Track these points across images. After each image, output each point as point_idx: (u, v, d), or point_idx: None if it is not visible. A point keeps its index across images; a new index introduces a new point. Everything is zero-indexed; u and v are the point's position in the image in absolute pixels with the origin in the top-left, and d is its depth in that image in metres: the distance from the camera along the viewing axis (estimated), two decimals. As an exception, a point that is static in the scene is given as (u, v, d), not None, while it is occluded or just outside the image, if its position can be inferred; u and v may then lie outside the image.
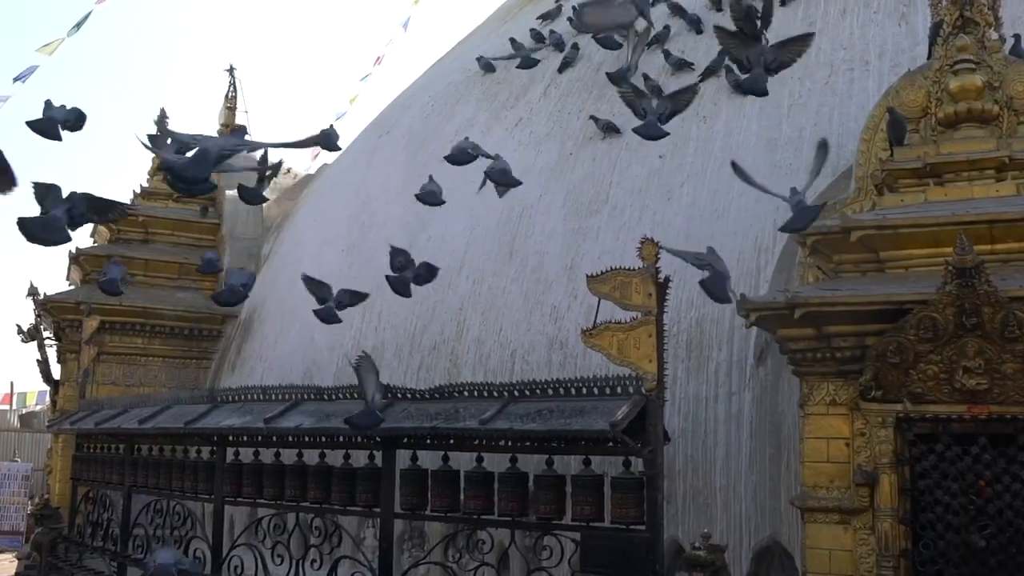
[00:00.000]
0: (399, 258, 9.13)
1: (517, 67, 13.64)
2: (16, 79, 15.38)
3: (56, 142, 7.96)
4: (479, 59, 14.53)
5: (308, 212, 16.24)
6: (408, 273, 9.19)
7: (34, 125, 7.96)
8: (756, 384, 8.63)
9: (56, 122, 8.20)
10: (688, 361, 9.04)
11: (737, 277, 9.12)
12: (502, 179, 8.68)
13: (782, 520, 8.10)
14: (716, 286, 7.29)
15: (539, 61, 13.43)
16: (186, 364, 15.67)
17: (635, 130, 7.97)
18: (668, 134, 8.13)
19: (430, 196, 9.44)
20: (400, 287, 9.12)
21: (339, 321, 9.02)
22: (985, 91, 7.38)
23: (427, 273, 9.18)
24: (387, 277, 9.10)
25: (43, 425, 34.51)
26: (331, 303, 8.87)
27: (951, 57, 7.65)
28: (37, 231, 5.99)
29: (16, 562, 18.21)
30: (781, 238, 9.03)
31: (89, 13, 16.50)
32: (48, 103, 8.01)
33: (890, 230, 6.80)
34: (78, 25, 16.52)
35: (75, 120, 8.00)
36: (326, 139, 7.93)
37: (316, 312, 8.84)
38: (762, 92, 7.27)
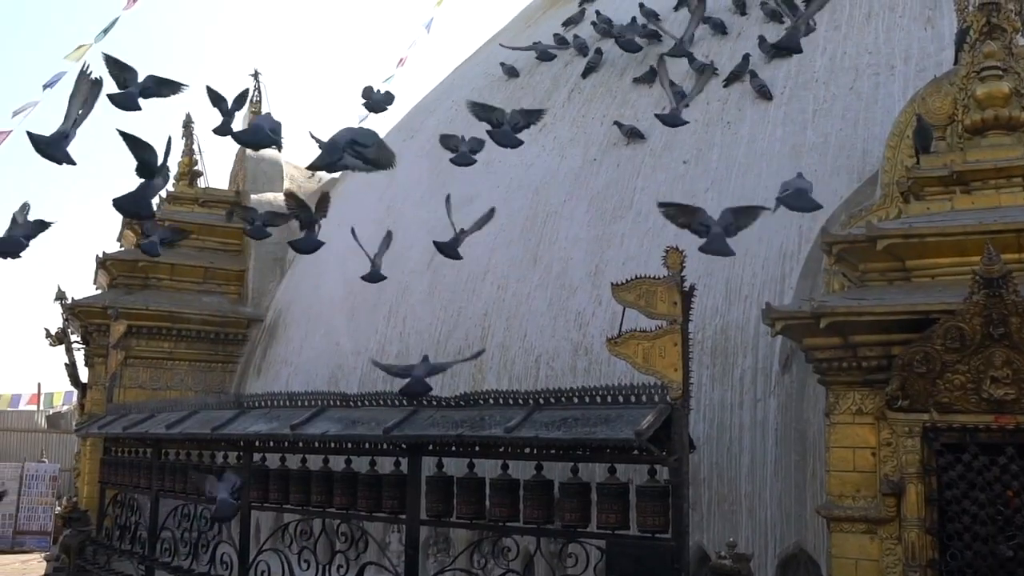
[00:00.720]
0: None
1: (536, 58, 13.66)
2: (46, 86, 15.50)
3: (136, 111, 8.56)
4: (502, 64, 14.56)
5: (333, 216, 16.27)
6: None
7: (114, 99, 8.73)
8: (781, 391, 8.62)
9: (134, 95, 8.86)
10: (713, 368, 9.04)
11: (762, 284, 9.15)
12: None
13: (808, 527, 8.10)
14: (716, 245, 7.65)
15: (555, 56, 13.40)
16: (212, 368, 15.76)
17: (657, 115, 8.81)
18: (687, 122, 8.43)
19: (463, 157, 9.95)
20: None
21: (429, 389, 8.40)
22: (1012, 98, 7.34)
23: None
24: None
25: (70, 426, 34.83)
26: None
27: (978, 64, 7.61)
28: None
29: (45, 563, 18.39)
30: (806, 244, 9.03)
31: (116, 19, 16.61)
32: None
33: (916, 239, 6.77)
34: (105, 31, 16.62)
35: (156, 87, 8.76)
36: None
37: (403, 390, 8.32)
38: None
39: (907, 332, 6.38)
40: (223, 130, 9.66)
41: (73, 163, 7.57)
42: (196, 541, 10.45)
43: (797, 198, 7.53)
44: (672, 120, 10.14)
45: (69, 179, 73.16)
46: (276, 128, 8.53)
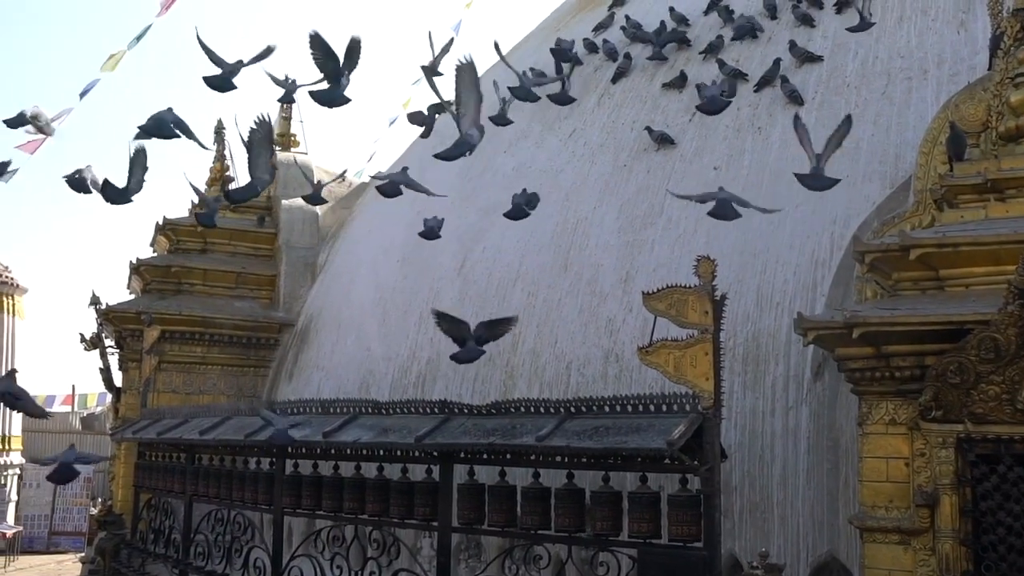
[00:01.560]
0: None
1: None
2: (82, 94, 15.66)
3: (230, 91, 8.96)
4: (531, 69, 14.56)
5: (363, 222, 16.39)
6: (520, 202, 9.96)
7: (210, 81, 9.21)
8: (813, 398, 8.59)
9: (229, 80, 9.29)
10: (744, 375, 9.02)
11: (794, 291, 9.12)
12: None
13: (840, 535, 8.06)
14: (724, 211, 8.10)
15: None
16: (244, 372, 15.90)
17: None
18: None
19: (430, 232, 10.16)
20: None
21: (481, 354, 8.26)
22: (1047, 105, 7.27)
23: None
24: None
25: (104, 427, 35.15)
26: (470, 341, 8.02)
27: (1012, 70, 7.53)
28: None
29: (80, 565, 18.59)
30: (838, 251, 8.99)
31: (149, 26, 16.75)
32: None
33: (950, 248, 6.72)
34: (138, 38, 16.77)
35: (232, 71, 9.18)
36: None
37: (454, 357, 8.13)
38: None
39: (941, 342, 6.34)
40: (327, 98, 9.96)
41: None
42: (229, 546, 10.55)
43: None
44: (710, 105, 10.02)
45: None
46: (178, 121, 8.67)
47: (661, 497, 7.03)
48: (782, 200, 9.82)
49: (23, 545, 27.06)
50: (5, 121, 10.37)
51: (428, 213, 12.85)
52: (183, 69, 76.56)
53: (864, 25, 10.31)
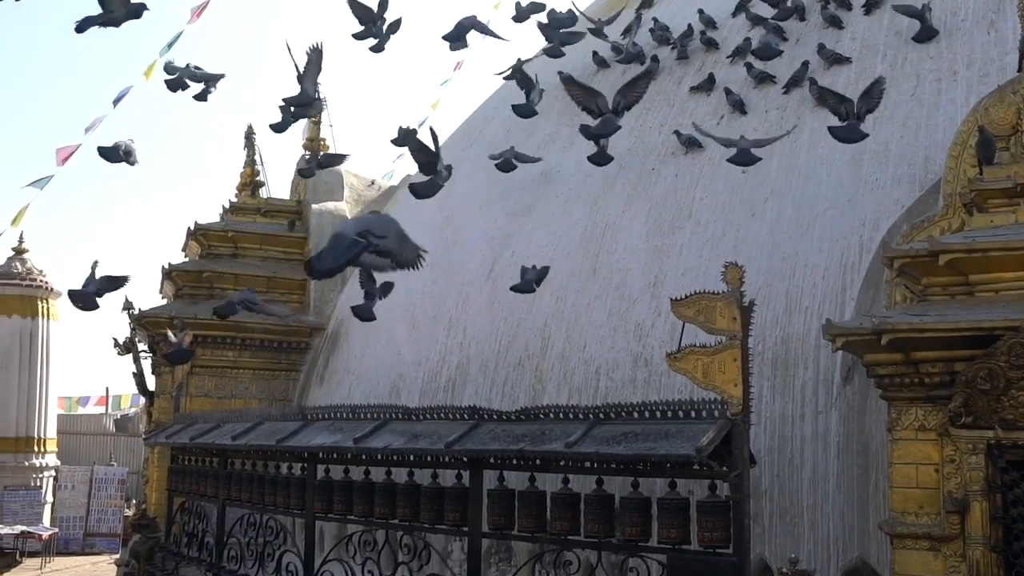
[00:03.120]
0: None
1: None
2: (115, 101, 15.86)
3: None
4: (559, 73, 14.59)
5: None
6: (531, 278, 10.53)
7: (290, 101, 11.45)
8: (843, 403, 8.58)
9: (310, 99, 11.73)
10: (774, 380, 9.01)
11: (823, 295, 9.10)
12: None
13: (870, 540, 8.05)
14: (743, 158, 9.06)
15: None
16: (275, 376, 16.00)
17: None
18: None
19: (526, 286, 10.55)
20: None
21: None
22: (1077, 108, 7.24)
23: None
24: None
25: (137, 429, 35.49)
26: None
27: (1042, 73, 7.52)
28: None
29: (115, 567, 18.79)
30: (867, 255, 8.97)
31: (180, 33, 16.91)
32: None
33: (979, 253, 6.69)
34: (169, 44, 16.92)
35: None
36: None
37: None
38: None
39: (970, 348, 6.32)
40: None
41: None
42: (262, 550, 10.63)
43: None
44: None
45: (136, 191, 74.47)
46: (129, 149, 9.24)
47: (690, 503, 7.03)
48: (809, 204, 9.84)
49: (59, 546, 27.35)
50: (100, 151, 12.11)
51: (457, 218, 12.95)
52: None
53: (929, 32, 10.61)
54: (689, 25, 13.31)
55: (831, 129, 9.30)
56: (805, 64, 11.21)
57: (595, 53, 14.30)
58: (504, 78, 13.10)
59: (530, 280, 10.43)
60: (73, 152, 16.79)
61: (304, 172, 14.66)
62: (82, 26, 10.07)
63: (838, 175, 9.87)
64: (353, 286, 15.94)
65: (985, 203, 7.21)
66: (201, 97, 12.65)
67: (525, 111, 12.40)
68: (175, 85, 12.45)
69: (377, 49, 12.08)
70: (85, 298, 8.19)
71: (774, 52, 10.44)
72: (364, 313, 10.92)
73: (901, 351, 6.57)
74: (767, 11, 12.51)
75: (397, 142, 11.76)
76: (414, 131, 9.13)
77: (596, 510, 7.40)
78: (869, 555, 8.07)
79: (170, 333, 14.29)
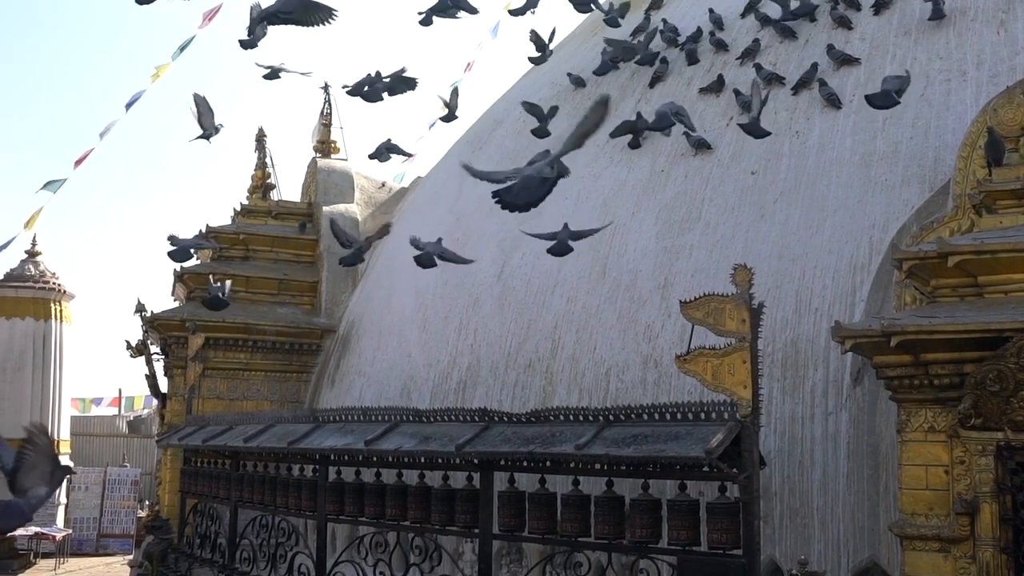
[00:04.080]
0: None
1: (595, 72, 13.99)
2: (127, 106, 15.97)
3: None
4: (569, 74, 14.64)
5: (403, 228, 16.49)
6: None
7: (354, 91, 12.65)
8: (853, 404, 8.58)
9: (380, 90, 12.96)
10: (784, 381, 9.02)
11: (833, 296, 9.11)
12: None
13: (881, 541, 8.05)
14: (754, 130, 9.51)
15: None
16: (287, 378, 16.10)
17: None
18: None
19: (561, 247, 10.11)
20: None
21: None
22: (1086, 108, 7.24)
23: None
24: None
25: (150, 430, 35.64)
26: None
27: (1051, 73, 7.51)
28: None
29: (128, 569, 18.88)
30: (877, 256, 8.97)
31: (192, 37, 17.03)
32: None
33: (988, 255, 6.69)
34: (181, 48, 17.04)
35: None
36: None
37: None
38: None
39: (980, 350, 6.32)
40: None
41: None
42: (274, 551, 10.68)
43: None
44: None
45: (148, 194, 74.78)
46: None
47: (700, 504, 7.06)
48: (819, 205, 9.84)
49: (72, 547, 27.46)
50: (370, 156, 14.23)
51: (468, 220, 12.99)
52: (225, 78, 77.29)
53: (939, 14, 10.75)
54: (698, 27, 13.31)
55: (868, 97, 9.65)
56: (814, 66, 11.20)
57: (604, 52, 14.30)
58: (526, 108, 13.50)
59: (564, 240, 10.13)
60: (87, 156, 16.90)
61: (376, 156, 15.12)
62: None
63: (847, 176, 9.88)
64: (364, 288, 16.01)
65: (994, 204, 7.21)
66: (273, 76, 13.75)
67: (541, 133, 12.87)
68: (271, 76, 13.67)
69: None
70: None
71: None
72: (426, 260, 11.20)
73: (910, 353, 6.57)
74: (776, 11, 12.50)
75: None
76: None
77: (606, 512, 7.43)
78: (879, 556, 8.08)
79: (212, 279, 14.88)
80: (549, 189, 8.15)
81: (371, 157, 14.27)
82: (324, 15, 10.40)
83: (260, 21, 10.86)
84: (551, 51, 13.86)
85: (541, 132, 12.74)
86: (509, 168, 9.04)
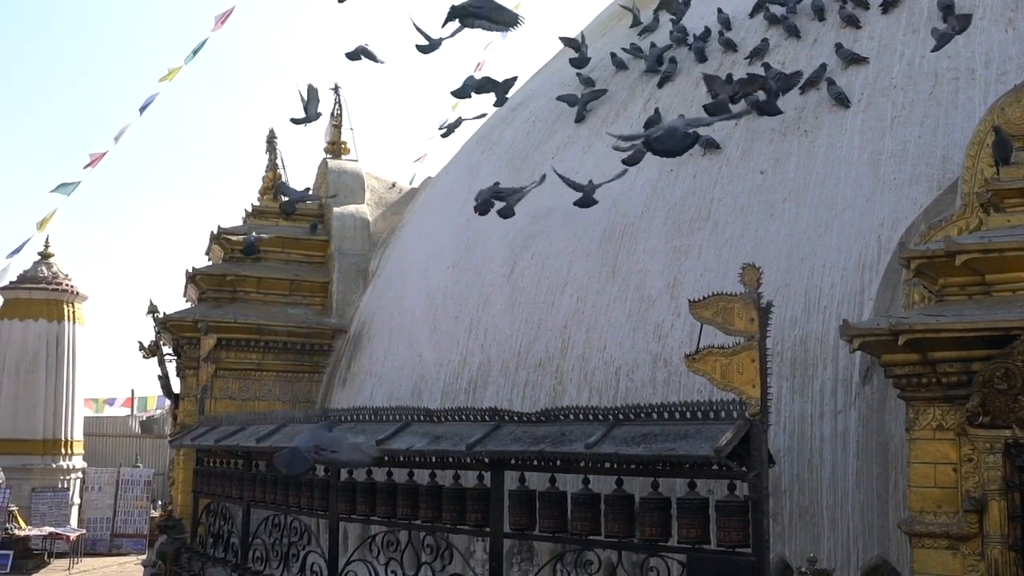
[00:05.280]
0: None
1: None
2: (142, 108, 16.08)
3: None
4: (579, 75, 14.67)
5: (414, 228, 16.58)
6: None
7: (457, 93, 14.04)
8: (862, 402, 8.61)
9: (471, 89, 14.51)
10: (792, 380, 9.05)
11: (841, 295, 9.13)
12: None
13: (891, 539, 8.08)
14: (769, 107, 10.26)
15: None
16: (298, 378, 16.16)
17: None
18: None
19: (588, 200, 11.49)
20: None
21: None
22: (1094, 107, 7.25)
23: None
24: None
25: (163, 430, 35.78)
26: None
27: (1059, 72, 7.52)
28: None
29: (142, 568, 18.98)
30: (886, 255, 8.99)
31: (205, 40, 17.12)
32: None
33: (996, 253, 6.71)
34: (195, 52, 17.13)
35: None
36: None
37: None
38: None
39: (987, 348, 6.35)
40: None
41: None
42: (287, 551, 10.75)
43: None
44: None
45: (159, 195, 75.00)
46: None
47: (710, 503, 7.09)
48: (827, 204, 9.86)
49: (86, 547, 27.62)
50: (347, 54, 14.86)
51: (478, 221, 13.03)
52: (239, 81, 77.55)
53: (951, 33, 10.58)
54: (706, 27, 13.34)
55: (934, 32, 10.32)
56: (823, 66, 11.21)
57: (613, 55, 14.34)
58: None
59: (590, 192, 11.26)
60: (101, 158, 17.01)
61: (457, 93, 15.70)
62: None
63: (856, 175, 9.90)
64: (375, 288, 16.07)
65: (1002, 203, 7.23)
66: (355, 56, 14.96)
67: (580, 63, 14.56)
68: (354, 56, 14.85)
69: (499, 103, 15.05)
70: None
71: (689, 141, 11.07)
72: (506, 213, 12.01)
73: (918, 351, 6.60)
74: (783, 12, 12.53)
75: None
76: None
77: (616, 510, 7.47)
78: (889, 554, 8.10)
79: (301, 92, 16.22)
80: (690, 144, 10.11)
81: (347, 56, 14.97)
82: (511, 20, 11.49)
83: (453, 18, 11.80)
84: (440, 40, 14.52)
85: (580, 62, 14.47)
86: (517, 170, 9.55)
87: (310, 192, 16.63)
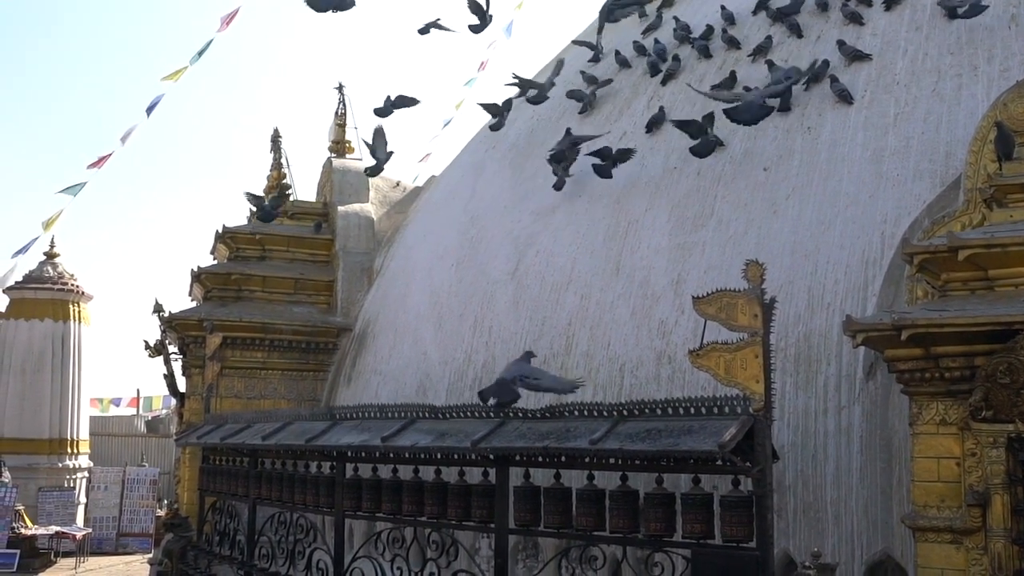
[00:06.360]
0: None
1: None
2: (148, 110, 16.10)
3: None
4: (582, 73, 14.70)
5: (418, 227, 16.61)
6: None
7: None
8: (866, 398, 8.63)
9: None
10: (796, 375, 9.07)
11: (845, 291, 9.16)
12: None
13: (894, 534, 8.10)
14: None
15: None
16: (304, 376, 16.19)
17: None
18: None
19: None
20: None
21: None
22: (1096, 103, 7.27)
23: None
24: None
25: (168, 430, 35.84)
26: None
27: (1061, 67, 7.54)
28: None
29: (148, 567, 19.02)
30: (889, 251, 9.01)
31: (211, 41, 17.15)
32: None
33: (998, 248, 6.73)
34: (200, 53, 17.16)
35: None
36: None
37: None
38: None
39: (990, 343, 6.37)
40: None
41: None
42: (293, 548, 10.77)
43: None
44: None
45: (164, 195, 75.12)
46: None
47: (714, 498, 7.11)
48: (830, 201, 9.88)
49: (92, 546, 27.65)
50: (419, 30, 15.24)
51: (482, 218, 13.09)
52: (243, 80, 77.60)
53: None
54: (708, 25, 13.36)
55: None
56: (825, 63, 11.23)
57: (617, 52, 14.36)
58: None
59: (609, 154, 11.63)
60: (106, 159, 17.04)
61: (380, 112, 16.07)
62: None
63: (859, 172, 9.92)
64: (379, 287, 16.11)
65: (1005, 198, 7.25)
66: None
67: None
68: (425, 30, 15.17)
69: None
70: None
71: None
72: (605, 172, 12.12)
73: (921, 346, 6.63)
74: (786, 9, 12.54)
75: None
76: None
77: (621, 506, 7.49)
78: (893, 549, 8.12)
79: (365, 138, 16.35)
80: (766, 114, 10.67)
81: (419, 31, 15.23)
82: None
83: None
84: (491, 17, 15.08)
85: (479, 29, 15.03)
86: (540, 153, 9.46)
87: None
